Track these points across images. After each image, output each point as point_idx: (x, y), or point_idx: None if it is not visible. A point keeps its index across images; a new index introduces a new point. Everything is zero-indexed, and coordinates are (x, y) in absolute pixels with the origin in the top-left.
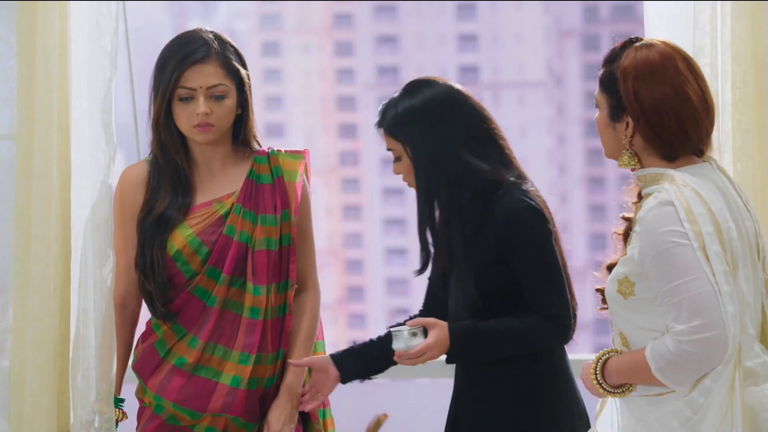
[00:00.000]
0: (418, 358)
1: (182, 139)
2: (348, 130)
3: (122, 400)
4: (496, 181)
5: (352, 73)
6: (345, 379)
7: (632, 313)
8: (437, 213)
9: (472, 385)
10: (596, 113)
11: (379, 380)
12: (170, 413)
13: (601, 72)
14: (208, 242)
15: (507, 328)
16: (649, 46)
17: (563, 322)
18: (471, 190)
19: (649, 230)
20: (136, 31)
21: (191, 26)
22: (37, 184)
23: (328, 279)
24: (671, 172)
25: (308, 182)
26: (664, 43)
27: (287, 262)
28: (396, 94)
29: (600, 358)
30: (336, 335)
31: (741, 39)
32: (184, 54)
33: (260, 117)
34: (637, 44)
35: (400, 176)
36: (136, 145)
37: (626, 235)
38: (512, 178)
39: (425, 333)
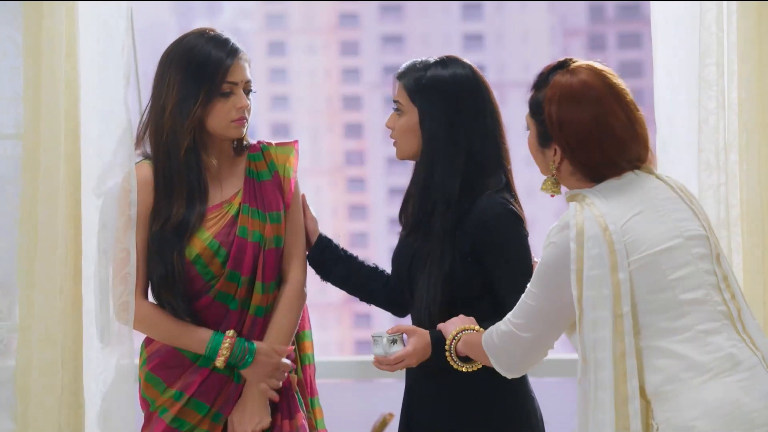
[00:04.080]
0: (396, 364)
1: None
2: (353, 130)
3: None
4: (487, 182)
5: (358, 72)
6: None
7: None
8: (428, 191)
9: (427, 384)
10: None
11: (385, 380)
12: (172, 416)
13: (529, 96)
14: (225, 243)
15: None
16: (574, 72)
17: None
18: (464, 181)
19: (544, 243)
20: (141, 30)
21: (196, 26)
22: (43, 184)
23: None
24: (584, 191)
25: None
26: (589, 68)
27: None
28: (429, 59)
29: (463, 330)
30: (341, 334)
31: (747, 38)
32: (225, 51)
33: (266, 116)
34: (562, 71)
35: (406, 176)
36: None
37: None
38: (500, 185)
39: (404, 341)
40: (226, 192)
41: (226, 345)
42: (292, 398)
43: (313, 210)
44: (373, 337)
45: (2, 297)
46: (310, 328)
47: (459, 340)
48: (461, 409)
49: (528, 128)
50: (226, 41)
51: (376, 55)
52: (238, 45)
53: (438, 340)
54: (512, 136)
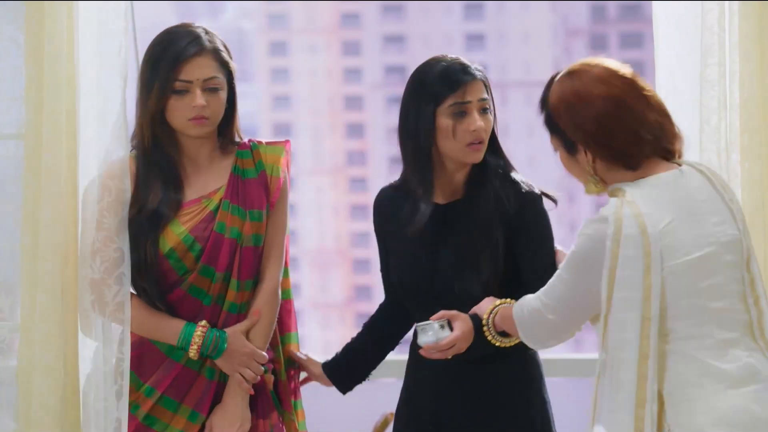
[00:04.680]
0: (447, 350)
1: (172, 135)
2: (355, 130)
3: None
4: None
5: (360, 72)
6: (346, 391)
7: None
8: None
9: (464, 381)
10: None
11: (387, 379)
12: (144, 413)
13: (542, 117)
14: (201, 239)
15: None
16: (569, 74)
17: None
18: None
19: (579, 231)
20: (142, 30)
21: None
22: (45, 184)
23: (336, 279)
24: (625, 186)
25: (288, 173)
26: (580, 63)
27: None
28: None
29: (499, 305)
30: (344, 334)
31: (748, 38)
32: (180, 47)
33: (267, 116)
34: (557, 78)
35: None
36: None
37: None
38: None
39: (450, 326)
40: (208, 187)
41: (199, 333)
42: (267, 398)
43: (314, 210)
44: (418, 327)
45: (4, 297)
46: (296, 330)
47: (496, 314)
48: (509, 402)
49: (555, 149)
50: (186, 37)
51: (377, 55)
52: (206, 41)
53: (478, 321)
54: (512, 136)
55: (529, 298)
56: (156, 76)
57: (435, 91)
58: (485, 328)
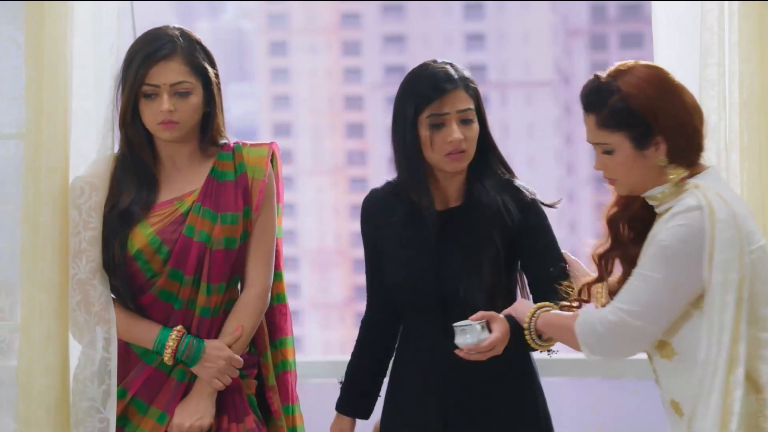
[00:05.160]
0: (488, 351)
1: (149, 136)
2: (355, 130)
3: None
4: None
5: (360, 72)
6: (367, 416)
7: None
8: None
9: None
10: (600, 161)
11: (388, 379)
12: (117, 414)
13: (597, 117)
14: (168, 241)
15: None
16: (633, 67)
17: None
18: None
19: (668, 226)
20: (142, 30)
21: (198, 26)
22: (45, 183)
23: (336, 279)
24: (693, 180)
25: (277, 176)
26: (636, 62)
27: (244, 260)
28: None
29: (540, 308)
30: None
31: (748, 38)
32: (149, 51)
33: (267, 116)
34: (622, 69)
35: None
36: None
37: (606, 258)
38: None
39: (489, 327)
40: (183, 189)
41: (173, 337)
42: (242, 402)
43: (314, 210)
44: (457, 327)
45: (4, 297)
46: (292, 335)
47: (537, 318)
48: (520, 398)
49: (612, 149)
50: (158, 40)
51: (377, 55)
52: (177, 45)
53: (514, 322)
54: (512, 136)
55: (598, 313)
56: (126, 79)
57: (415, 101)
58: (527, 332)
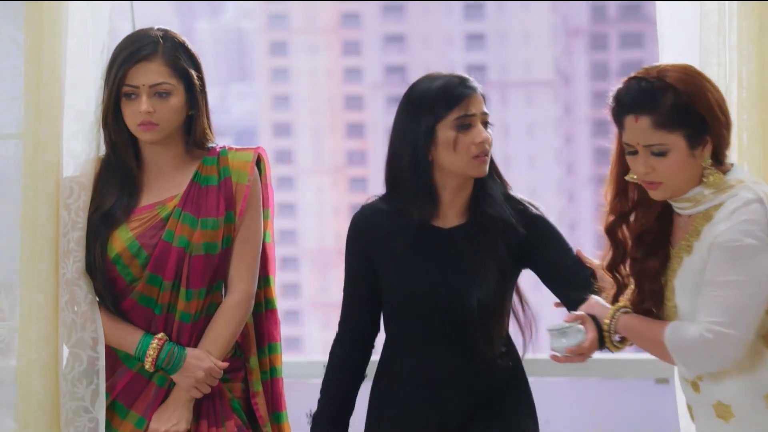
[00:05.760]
0: (588, 353)
1: (134, 139)
2: (355, 130)
3: None
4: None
5: (360, 72)
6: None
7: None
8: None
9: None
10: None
11: None
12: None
13: (654, 117)
14: (147, 246)
15: None
16: (671, 66)
17: None
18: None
19: (731, 225)
20: None
21: (199, 26)
22: (43, 183)
23: (336, 278)
24: (731, 176)
25: (265, 180)
26: (665, 63)
27: (226, 264)
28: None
29: (619, 309)
30: None
31: (747, 38)
32: (130, 52)
33: (267, 116)
34: (662, 68)
35: None
36: None
37: (616, 267)
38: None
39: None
40: (165, 193)
41: (154, 345)
42: (223, 406)
43: (314, 210)
44: (555, 330)
45: (4, 297)
46: (281, 340)
47: (618, 319)
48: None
49: (666, 150)
50: (139, 41)
51: (378, 54)
52: (159, 46)
53: (596, 322)
54: (512, 136)
55: (692, 332)
56: (107, 80)
57: (436, 106)
58: (606, 333)
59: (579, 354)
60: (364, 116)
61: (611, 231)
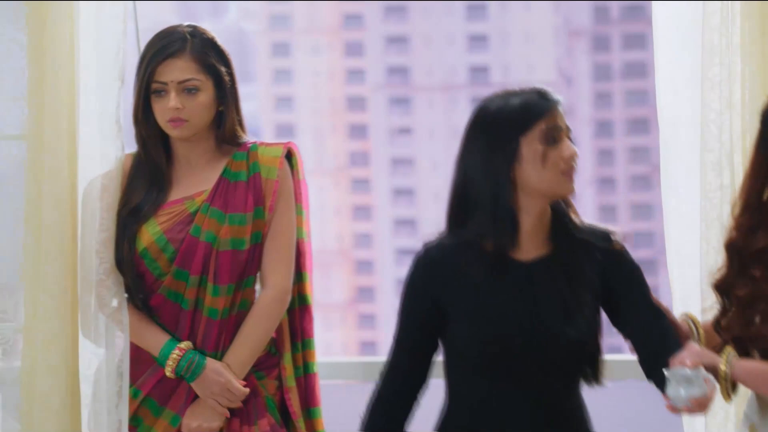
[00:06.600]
0: (710, 404)
1: (164, 135)
2: (358, 131)
3: None
4: None
5: (362, 73)
6: None
7: None
8: None
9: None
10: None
11: None
12: (131, 414)
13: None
14: (175, 241)
15: None
16: None
17: None
18: None
19: None
20: (144, 31)
21: (200, 27)
22: (47, 184)
23: (337, 279)
24: None
25: (297, 175)
26: None
27: (257, 260)
28: None
29: (730, 354)
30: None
31: (750, 39)
32: (158, 48)
33: (270, 117)
34: None
35: (410, 177)
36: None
37: (724, 288)
38: None
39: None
40: (194, 189)
41: (175, 355)
42: (257, 404)
43: (316, 211)
44: (677, 376)
45: (7, 298)
46: (312, 337)
47: (732, 366)
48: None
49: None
50: (167, 38)
51: (380, 55)
52: (187, 43)
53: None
54: None
55: None
56: (137, 77)
57: (520, 118)
58: (723, 381)
59: (700, 405)
60: (367, 117)
61: (732, 247)
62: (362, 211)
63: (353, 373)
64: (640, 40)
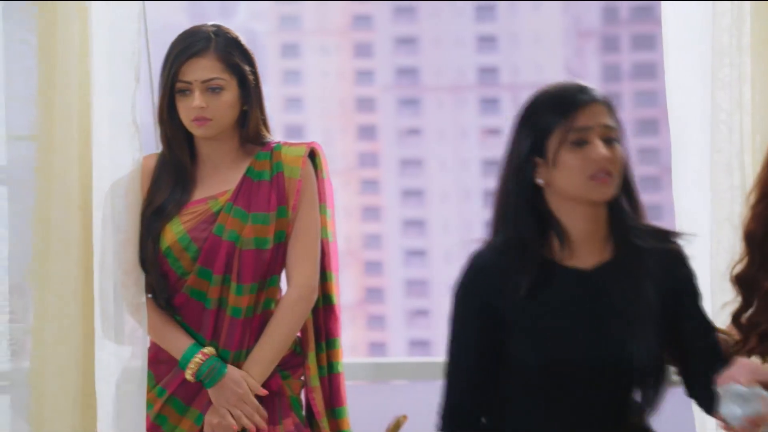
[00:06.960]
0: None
1: (189, 134)
2: (367, 132)
3: None
4: None
5: (371, 74)
6: None
7: None
8: None
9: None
10: None
11: (399, 382)
12: (155, 413)
13: None
14: (198, 240)
15: None
16: None
17: None
18: None
19: None
20: (154, 32)
21: None
22: (57, 185)
23: (347, 280)
24: None
25: (321, 175)
26: None
27: (281, 260)
28: None
29: None
30: (355, 336)
31: (760, 39)
32: (182, 48)
33: (279, 118)
34: None
35: (419, 177)
36: (156, 145)
37: (745, 281)
38: None
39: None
40: (218, 188)
41: (197, 360)
42: (282, 404)
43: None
44: (732, 393)
45: (17, 299)
46: (339, 336)
47: None
48: None
49: None
50: (191, 37)
51: (389, 56)
52: (211, 42)
53: None
54: None
55: None
56: (162, 76)
57: (545, 117)
58: None
59: (755, 424)
60: (376, 118)
61: (751, 237)
62: (371, 212)
63: (362, 374)
64: (650, 41)
